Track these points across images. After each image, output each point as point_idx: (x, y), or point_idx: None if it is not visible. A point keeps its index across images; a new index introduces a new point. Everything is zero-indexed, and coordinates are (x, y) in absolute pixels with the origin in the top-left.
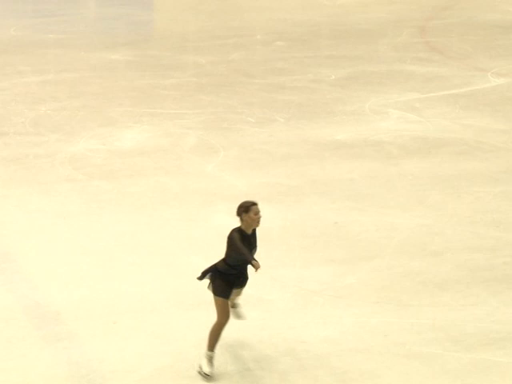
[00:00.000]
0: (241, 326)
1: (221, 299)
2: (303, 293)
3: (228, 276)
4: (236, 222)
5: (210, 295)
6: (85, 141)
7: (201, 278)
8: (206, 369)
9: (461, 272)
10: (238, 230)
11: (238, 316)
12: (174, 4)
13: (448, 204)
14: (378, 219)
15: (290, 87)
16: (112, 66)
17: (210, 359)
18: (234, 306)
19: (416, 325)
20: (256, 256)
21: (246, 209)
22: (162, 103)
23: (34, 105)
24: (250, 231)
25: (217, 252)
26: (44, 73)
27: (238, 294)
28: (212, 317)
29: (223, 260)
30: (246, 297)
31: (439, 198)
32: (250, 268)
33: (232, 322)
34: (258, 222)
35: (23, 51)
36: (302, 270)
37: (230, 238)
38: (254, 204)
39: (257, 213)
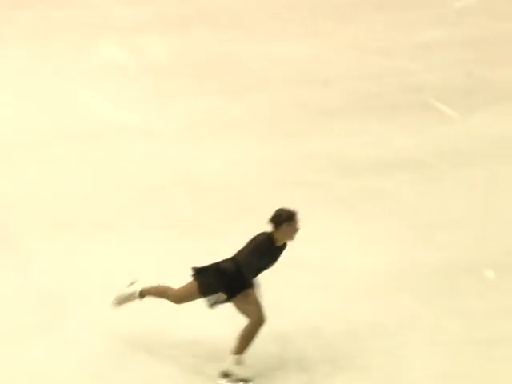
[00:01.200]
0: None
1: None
2: (192, 124)
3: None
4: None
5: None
6: None
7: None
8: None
9: (349, 100)
10: (268, 237)
11: None
12: None
13: (336, 32)
14: (265, 49)
15: None
16: None
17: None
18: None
19: (305, 154)
20: None
21: (290, 217)
22: None
23: None
24: (280, 243)
25: (105, 85)
26: None
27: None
28: None
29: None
30: (134, 131)
31: (327, 26)
32: None
33: None
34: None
35: None
36: (190, 101)
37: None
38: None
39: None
